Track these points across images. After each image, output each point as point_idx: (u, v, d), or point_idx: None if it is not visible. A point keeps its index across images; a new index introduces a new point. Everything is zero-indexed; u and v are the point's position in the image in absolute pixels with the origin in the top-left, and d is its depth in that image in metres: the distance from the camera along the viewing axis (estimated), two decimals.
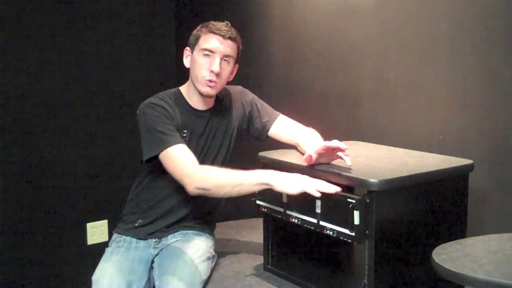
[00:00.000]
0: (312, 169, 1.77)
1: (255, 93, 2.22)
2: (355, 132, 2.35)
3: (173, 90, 2.08)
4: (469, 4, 1.99)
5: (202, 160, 1.98)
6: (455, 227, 1.81)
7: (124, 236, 2.07)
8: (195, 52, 2.00)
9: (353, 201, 1.59)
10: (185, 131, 2.01)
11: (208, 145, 2.06)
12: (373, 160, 1.87)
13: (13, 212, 2.83)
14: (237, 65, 2.07)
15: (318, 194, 1.65)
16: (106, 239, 3.01)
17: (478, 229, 1.91)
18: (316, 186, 1.66)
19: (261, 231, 2.04)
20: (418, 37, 2.16)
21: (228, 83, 2.08)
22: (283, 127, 2.14)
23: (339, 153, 1.75)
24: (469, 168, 1.81)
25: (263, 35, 2.85)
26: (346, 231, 1.62)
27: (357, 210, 1.59)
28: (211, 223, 2.16)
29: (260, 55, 2.85)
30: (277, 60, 2.80)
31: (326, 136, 1.95)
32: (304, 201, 1.72)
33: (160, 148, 1.91)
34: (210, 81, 1.97)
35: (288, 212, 1.81)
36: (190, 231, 2.07)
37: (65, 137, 2.97)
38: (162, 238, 2.06)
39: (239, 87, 2.21)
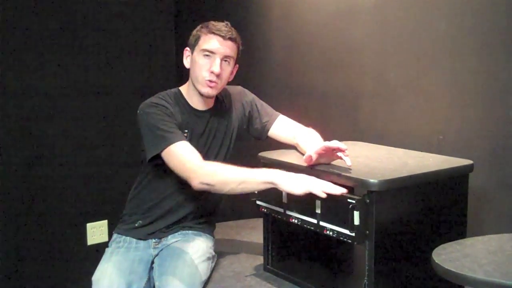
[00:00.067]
0: (312, 170, 1.77)
1: (255, 93, 2.21)
2: (355, 132, 2.35)
3: (173, 90, 2.08)
4: (469, 4, 1.99)
5: None
6: (455, 228, 1.81)
7: (124, 237, 2.07)
8: (195, 53, 2.00)
9: (353, 201, 1.59)
10: (186, 130, 2.01)
11: (208, 145, 2.06)
12: (373, 161, 1.87)
13: (13, 212, 2.83)
14: (237, 65, 2.06)
15: (324, 195, 1.65)
16: (106, 239, 3.01)
17: (478, 229, 1.91)
18: (322, 187, 1.66)
19: (261, 232, 2.04)
20: (418, 37, 2.16)
21: (228, 83, 2.07)
22: (283, 127, 2.14)
23: (339, 154, 1.75)
24: (469, 168, 1.81)
25: (263, 35, 2.85)
26: (346, 231, 1.62)
27: (357, 210, 1.59)
28: (211, 223, 2.16)
29: (260, 55, 2.85)
30: (277, 60, 2.80)
31: (326, 136, 1.95)
32: (304, 202, 1.72)
33: (163, 145, 1.90)
34: (210, 81, 1.97)
35: (288, 212, 1.81)
36: (190, 231, 2.07)
37: (65, 137, 2.97)
38: (162, 239, 2.06)
39: (239, 87, 2.20)
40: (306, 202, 1.72)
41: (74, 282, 2.97)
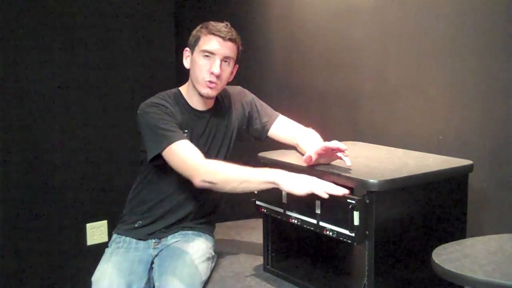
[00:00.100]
0: (311, 170, 1.77)
1: (254, 94, 2.21)
2: (354, 133, 2.35)
3: (173, 90, 2.08)
4: (469, 4, 1.99)
5: None
6: (455, 228, 1.80)
7: (123, 237, 2.07)
8: (195, 54, 1.99)
9: (353, 201, 1.59)
10: (186, 131, 2.01)
11: (208, 146, 2.06)
12: (373, 161, 1.87)
13: (13, 213, 2.83)
14: (237, 65, 2.06)
15: (326, 196, 1.64)
16: (106, 239, 3.01)
17: (478, 229, 1.91)
18: (324, 188, 1.65)
19: (261, 232, 2.03)
20: (418, 37, 2.16)
21: (228, 83, 2.07)
22: (282, 127, 2.14)
23: (339, 154, 1.75)
24: (469, 168, 1.81)
25: (263, 35, 2.85)
26: (346, 231, 1.62)
27: (357, 210, 1.59)
28: (211, 224, 2.16)
29: (260, 55, 2.85)
30: (277, 60, 2.80)
31: (326, 137, 1.95)
32: (303, 202, 1.72)
33: (165, 144, 1.90)
34: (210, 82, 1.96)
35: (288, 212, 1.81)
36: (190, 232, 2.07)
37: (65, 137, 2.97)
38: (162, 239, 2.06)
39: (239, 88, 2.20)
40: (306, 202, 1.71)
41: (73, 282, 2.97)
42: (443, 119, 2.09)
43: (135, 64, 3.19)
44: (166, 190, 2.05)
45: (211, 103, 2.08)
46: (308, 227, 1.75)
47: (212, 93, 1.99)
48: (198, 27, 2.02)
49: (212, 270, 2.01)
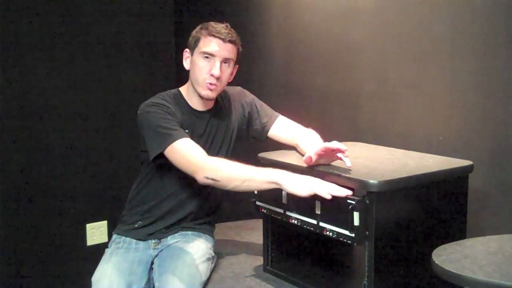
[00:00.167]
0: (311, 170, 1.77)
1: (254, 94, 2.21)
2: (354, 133, 2.35)
3: (173, 91, 2.08)
4: (469, 4, 1.99)
5: None
6: (455, 228, 1.80)
7: (123, 237, 2.07)
8: (194, 55, 1.99)
9: (353, 202, 1.59)
10: (187, 131, 2.00)
11: (208, 146, 2.06)
12: (373, 161, 1.87)
13: (12, 213, 2.83)
14: (236, 66, 2.06)
15: (329, 197, 1.64)
16: (106, 240, 3.01)
17: (478, 230, 1.91)
18: (327, 189, 1.65)
19: (261, 232, 2.03)
20: (418, 37, 2.16)
21: (228, 84, 2.07)
22: (282, 128, 2.14)
23: (339, 154, 1.75)
24: (469, 169, 1.81)
25: (263, 36, 2.85)
26: (346, 232, 1.62)
27: (356, 211, 1.59)
28: (211, 224, 2.16)
29: (260, 56, 2.85)
30: (277, 60, 2.80)
31: (326, 137, 1.95)
32: (303, 202, 1.72)
33: (167, 143, 1.89)
34: (210, 84, 1.96)
35: (288, 213, 1.81)
36: (189, 232, 2.07)
37: (65, 138, 2.97)
38: (162, 239, 2.06)
39: (239, 88, 2.20)
40: (306, 203, 1.71)
41: (73, 283, 2.97)
42: (443, 119, 2.09)
43: (135, 64, 3.19)
44: (166, 190, 2.05)
45: (211, 104, 2.07)
46: (308, 227, 1.74)
47: (212, 94, 1.99)
48: (197, 28, 2.01)
49: (212, 271, 2.01)
